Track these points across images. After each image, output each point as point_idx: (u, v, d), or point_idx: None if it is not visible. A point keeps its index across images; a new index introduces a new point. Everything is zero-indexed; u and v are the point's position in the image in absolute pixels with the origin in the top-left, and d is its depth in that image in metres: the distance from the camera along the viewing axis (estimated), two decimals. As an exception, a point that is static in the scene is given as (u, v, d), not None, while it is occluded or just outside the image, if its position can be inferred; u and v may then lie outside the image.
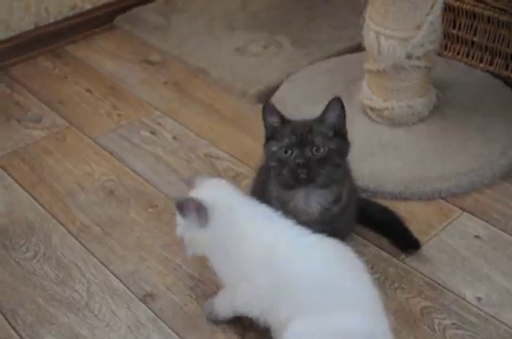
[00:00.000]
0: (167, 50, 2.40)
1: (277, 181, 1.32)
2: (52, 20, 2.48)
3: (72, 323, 1.43)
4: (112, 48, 2.46)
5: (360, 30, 1.83)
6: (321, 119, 1.29)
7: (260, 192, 1.42)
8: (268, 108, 1.30)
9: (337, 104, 1.28)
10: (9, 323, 1.44)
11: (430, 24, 1.73)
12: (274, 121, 1.29)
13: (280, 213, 1.29)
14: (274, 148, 1.28)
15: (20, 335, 1.42)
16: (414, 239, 1.53)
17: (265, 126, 1.31)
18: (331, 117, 1.28)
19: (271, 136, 1.30)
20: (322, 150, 1.25)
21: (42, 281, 1.54)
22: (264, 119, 1.30)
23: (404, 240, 1.54)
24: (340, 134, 1.30)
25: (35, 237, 1.66)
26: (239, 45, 2.37)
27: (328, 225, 1.32)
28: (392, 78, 1.82)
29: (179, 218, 1.31)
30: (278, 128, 1.29)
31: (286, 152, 1.26)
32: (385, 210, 1.59)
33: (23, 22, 2.41)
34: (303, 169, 1.24)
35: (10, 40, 2.39)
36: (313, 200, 1.31)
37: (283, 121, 1.30)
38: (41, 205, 1.76)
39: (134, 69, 2.33)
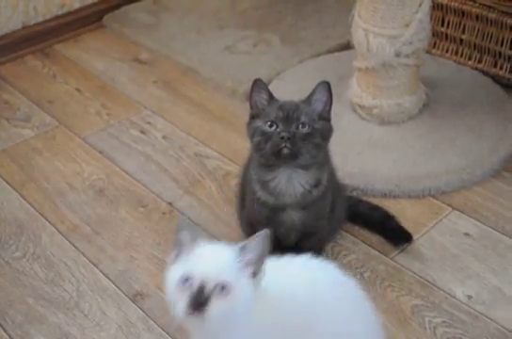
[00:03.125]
0: (156, 49, 2.39)
1: (258, 159, 1.31)
2: (40, 19, 2.47)
3: (62, 323, 1.43)
4: (101, 47, 2.45)
5: (349, 28, 1.83)
6: (308, 100, 1.29)
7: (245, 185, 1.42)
8: (257, 84, 1.29)
9: (324, 87, 1.29)
10: (-1, 323, 1.44)
11: (419, 21, 1.74)
12: (262, 97, 1.29)
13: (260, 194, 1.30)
14: (258, 123, 1.27)
15: (9, 335, 1.41)
16: (406, 232, 1.53)
17: (252, 104, 1.30)
18: (318, 99, 1.29)
19: (256, 114, 1.30)
20: (307, 127, 1.25)
21: (32, 280, 1.53)
22: (252, 95, 1.29)
23: (396, 234, 1.55)
24: (324, 117, 1.30)
25: (24, 237, 1.65)
26: (228, 44, 2.37)
27: (307, 209, 1.33)
28: (382, 76, 1.82)
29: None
30: (264, 106, 1.29)
31: (271, 126, 1.26)
32: (376, 207, 1.59)
33: (10, 21, 2.39)
34: (287, 142, 1.23)
35: (-1, 39, 2.38)
36: (296, 180, 1.31)
37: (271, 99, 1.29)
38: (31, 205, 1.75)
39: (123, 68, 2.32)
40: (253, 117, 1.30)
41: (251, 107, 1.31)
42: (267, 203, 1.33)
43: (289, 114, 1.25)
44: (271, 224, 1.36)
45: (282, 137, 1.23)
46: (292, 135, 1.24)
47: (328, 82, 1.30)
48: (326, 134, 1.30)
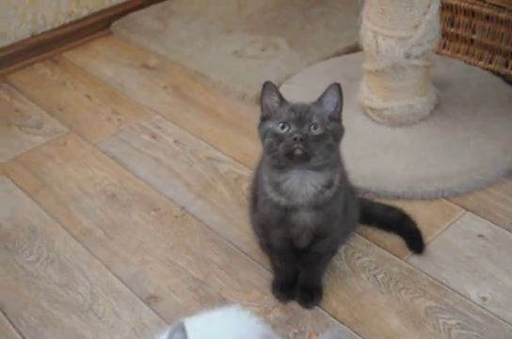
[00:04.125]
0: (164, 54, 2.40)
1: (270, 161, 1.31)
2: (49, 27, 2.48)
3: (76, 325, 1.43)
4: (110, 54, 2.46)
5: (358, 30, 1.83)
6: (319, 102, 1.29)
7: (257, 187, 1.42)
8: (268, 87, 1.29)
9: (335, 89, 1.29)
10: (14, 326, 1.44)
11: (428, 23, 1.73)
12: (273, 100, 1.28)
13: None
14: (270, 125, 1.27)
15: (24, 338, 1.41)
16: (421, 242, 1.54)
17: (262, 106, 1.30)
18: (329, 101, 1.29)
19: (267, 116, 1.29)
20: (319, 128, 1.25)
21: (46, 284, 1.54)
22: (263, 97, 1.29)
23: (412, 240, 1.55)
24: (335, 118, 1.30)
25: (38, 241, 1.65)
26: (237, 48, 2.37)
27: (320, 210, 1.32)
28: (392, 78, 1.82)
29: None
30: (275, 108, 1.28)
31: (283, 127, 1.25)
32: (391, 208, 1.59)
33: (19, 30, 2.41)
34: (300, 144, 1.23)
35: (8, 48, 2.39)
36: (308, 181, 1.30)
37: (281, 101, 1.29)
38: (44, 210, 1.75)
39: (132, 74, 2.33)
40: (264, 119, 1.30)
41: (262, 109, 1.31)
42: (279, 205, 1.32)
43: (301, 115, 1.25)
44: (283, 226, 1.36)
45: (295, 139, 1.23)
46: (304, 136, 1.23)
47: (338, 84, 1.30)
48: (337, 135, 1.30)
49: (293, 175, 1.29)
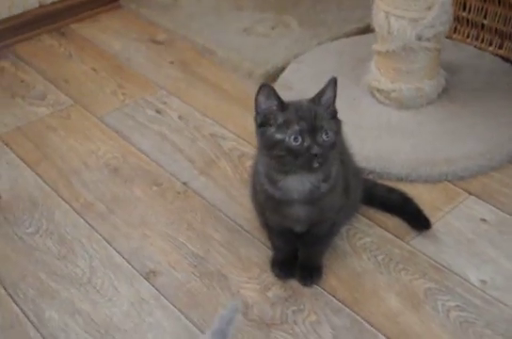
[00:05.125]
0: (173, 29, 2.37)
1: (275, 166, 1.24)
2: (58, -2, 2.46)
3: (74, 298, 1.43)
4: (118, 27, 2.44)
5: (368, 12, 1.81)
6: (318, 100, 1.21)
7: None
8: (265, 90, 1.17)
9: (334, 84, 1.21)
10: (11, 297, 1.44)
11: (441, 4, 1.71)
12: (271, 104, 1.18)
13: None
14: (279, 136, 1.17)
15: (21, 309, 1.41)
16: (425, 218, 1.52)
17: (258, 110, 1.19)
18: (328, 98, 1.22)
19: (265, 121, 1.19)
20: (330, 134, 1.19)
21: (44, 256, 1.53)
22: (258, 101, 1.18)
23: (415, 219, 1.53)
24: (333, 114, 1.24)
25: (38, 213, 1.65)
26: (246, 25, 2.35)
27: (314, 204, 1.29)
28: (402, 60, 1.80)
29: None
30: (274, 112, 1.18)
31: (296, 139, 1.16)
32: (393, 190, 1.58)
33: (27, 0, 2.38)
34: (319, 158, 1.17)
35: (15, 18, 2.37)
36: (306, 179, 1.25)
37: (281, 104, 1.18)
38: (45, 182, 1.75)
39: (140, 48, 2.31)
40: (263, 124, 1.20)
41: (258, 113, 1.20)
42: (274, 197, 1.29)
43: (312, 123, 1.17)
44: (278, 215, 1.35)
45: (315, 155, 1.16)
46: (322, 148, 1.17)
47: (335, 77, 1.21)
48: (340, 131, 1.24)
49: (292, 175, 1.24)
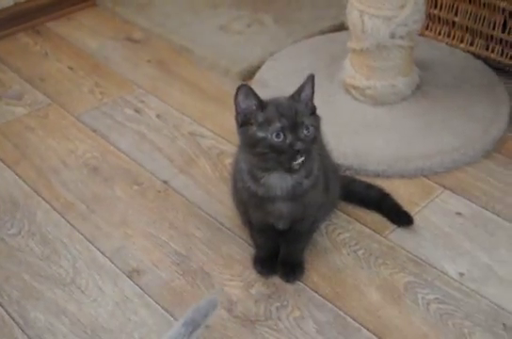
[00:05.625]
0: (149, 28, 2.38)
1: (257, 163, 1.26)
2: (32, -4, 2.44)
3: (59, 299, 1.44)
4: (94, 25, 2.43)
5: (343, 9, 1.83)
6: (298, 97, 1.24)
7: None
8: (244, 90, 1.20)
9: (312, 80, 1.24)
10: (-4, 299, 1.44)
11: (414, 3, 1.74)
12: (250, 103, 1.20)
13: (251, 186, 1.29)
14: (261, 134, 1.19)
15: (6, 311, 1.42)
16: (406, 213, 1.56)
17: (239, 110, 1.22)
18: (307, 94, 1.24)
19: (246, 120, 1.21)
20: (311, 130, 1.21)
21: (27, 257, 1.54)
22: (238, 101, 1.21)
23: (396, 214, 1.57)
24: (313, 110, 1.26)
25: (19, 214, 1.65)
26: (222, 23, 2.36)
27: (297, 200, 1.31)
28: (376, 57, 1.83)
29: None
30: (254, 111, 1.20)
31: (278, 136, 1.18)
32: (371, 186, 1.61)
33: (2, -2, 2.37)
34: (302, 154, 1.19)
35: (-11, 16, 2.36)
36: (288, 176, 1.27)
37: (260, 103, 1.20)
38: (25, 182, 1.75)
39: (116, 46, 2.31)
40: (244, 123, 1.22)
41: (238, 113, 1.22)
42: (256, 194, 1.31)
43: (293, 120, 1.19)
44: (260, 212, 1.37)
45: (298, 151, 1.19)
46: (304, 143, 1.19)
47: (313, 74, 1.24)
48: (319, 127, 1.26)
49: (275, 172, 1.26)
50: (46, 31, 2.40)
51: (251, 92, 1.20)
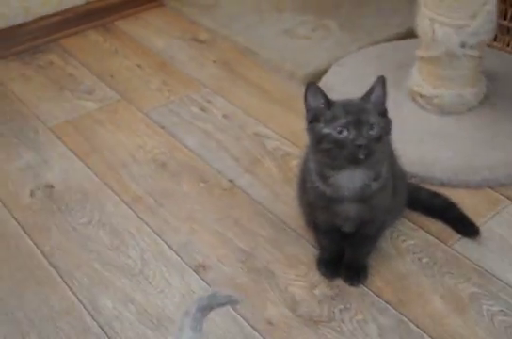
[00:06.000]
0: (215, 29, 2.41)
1: (325, 161, 1.29)
2: (103, -5, 2.51)
3: (127, 288, 1.47)
4: (161, 25, 2.48)
5: (408, 17, 1.84)
6: (367, 98, 1.26)
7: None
8: (312, 89, 1.24)
9: (382, 83, 1.26)
10: (68, 286, 1.48)
11: (486, 13, 1.73)
12: (318, 102, 1.24)
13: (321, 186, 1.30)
14: (326, 130, 1.23)
15: (77, 297, 1.46)
16: (474, 225, 1.56)
17: (308, 108, 1.26)
18: (377, 96, 1.26)
19: (314, 118, 1.27)
20: (376, 129, 1.23)
21: (98, 246, 1.58)
22: (307, 100, 1.25)
23: (464, 226, 1.57)
24: (383, 113, 1.28)
25: (89, 204, 1.70)
26: (287, 27, 2.38)
27: (365, 202, 1.32)
28: (445, 66, 1.82)
29: None
30: (322, 109, 1.24)
31: (341, 132, 1.21)
32: (437, 194, 1.61)
33: (75, -4, 2.44)
34: (364, 150, 1.21)
35: (62, 13, 2.42)
36: (357, 176, 1.29)
37: (328, 102, 1.24)
38: (95, 174, 1.79)
39: (182, 46, 2.35)
40: (312, 121, 1.26)
41: (307, 111, 1.27)
42: (325, 194, 1.32)
43: (358, 117, 1.22)
44: (327, 212, 1.38)
45: (359, 146, 1.21)
46: (367, 140, 1.21)
47: (384, 77, 1.26)
48: (389, 129, 1.28)
49: (343, 171, 1.28)
50: (115, 29, 2.46)
51: (319, 91, 1.24)
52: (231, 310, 1.41)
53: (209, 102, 2.06)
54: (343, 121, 1.22)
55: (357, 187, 1.30)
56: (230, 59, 2.27)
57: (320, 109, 1.25)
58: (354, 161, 1.24)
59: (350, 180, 1.29)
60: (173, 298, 1.44)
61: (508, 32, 2.13)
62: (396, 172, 1.45)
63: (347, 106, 1.24)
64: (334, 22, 2.40)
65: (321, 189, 1.32)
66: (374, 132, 1.23)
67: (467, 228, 1.57)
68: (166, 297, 1.45)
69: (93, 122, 2.00)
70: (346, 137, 1.22)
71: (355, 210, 1.34)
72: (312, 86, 1.24)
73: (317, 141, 1.25)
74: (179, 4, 2.57)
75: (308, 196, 1.40)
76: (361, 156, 1.22)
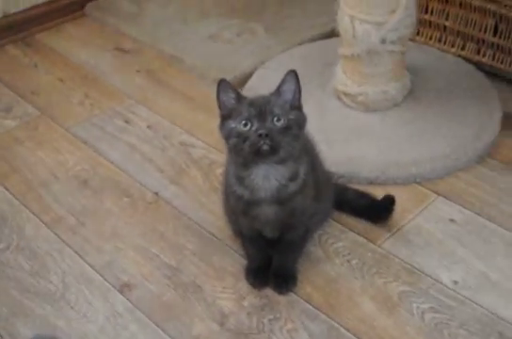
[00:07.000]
0: (139, 38, 2.37)
1: (237, 159, 1.28)
2: (21, 7, 2.42)
3: (49, 315, 1.42)
4: (83, 36, 2.42)
5: (333, 16, 1.82)
6: (277, 92, 1.26)
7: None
8: (223, 85, 1.24)
9: (292, 76, 1.25)
10: (-16, 316, 1.42)
11: (405, 8, 1.73)
12: (230, 97, 1.24)
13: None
14: (232, 124, 1.23)
15: (-5, 328, 1.40)
16: (387, 201, 1.56)
17: (220, 105, 1.26)
18: (287, 89, 1.26)
19: (227, 115, 1.25)
20: (282, 120, 1.22)
21: (16, 272, 1.52)
22: (219, 97, 1.25)
23: (379, 208, 1.57)
24: (296, 106, 1.27)
25: (8, 228, 1.63)
26: (212, 32, 2.35)
27: (284, 204, 1.30)
28: (367, 63, 1.82)
29: None
30: (234, 106, 1.24)
31: (246, 125, 1.21)
32: (364, 194, 1.59)
33: (-10, 10, 2.36)
34: (266, 139, 1.20)
35: (-22, 28, 2.35)
36: (272, 175, 1.27)
37: (239, 98, 1.25)
38: (14, 196, 1.73)
39: (106, 57, 2.30)
40: (225, 118, 1.26)
41: (220, 108, 1.26)
42: (242, 198, 1.31)
43: (261, 109, 1.22)
44: (248, 218, 1.36)
45: (260, 135, 1.20)
46: (269, 130, 1.20)
47: (295, 70, 1.26)
48: (301, 123, 1.27)
49: (257, 170, 1.27)
50: (35, 43, 2.39)
51: (230, 86, 1.24)
52: (157, 329, 1.37)
53: (133, 113, 2.02)
54: (245, 114, 1.22)
55: (273, 188, 1.28)
56: (154, 68, 2.22)
57: (231, 105, 1.25)
58: (258, 153, 1.22)
59: (265, 179, 1.28)
60: (97, 321, 1.39)
61: (431, 26, 2.14)
62: (321, 174, 1.43)
63: (253, 100, 1.25)
64: (260, 25, 2.38)
65: (239, 193, 1.31)
66: (279, 123, 1.22)
67: (383, 207, 1.57)
68: (89, 321, 1.40)
69: (12, 141, 1.93)
70: (250, 128, 1.22)
71: (273, 213, 1.32)
72: (223, 82, 1.24)
73: (226, 138, 1.26)
74: (102, 14, 2.52)
75: (230, 201, 1.38)
76: (265, 147, 1.21)
